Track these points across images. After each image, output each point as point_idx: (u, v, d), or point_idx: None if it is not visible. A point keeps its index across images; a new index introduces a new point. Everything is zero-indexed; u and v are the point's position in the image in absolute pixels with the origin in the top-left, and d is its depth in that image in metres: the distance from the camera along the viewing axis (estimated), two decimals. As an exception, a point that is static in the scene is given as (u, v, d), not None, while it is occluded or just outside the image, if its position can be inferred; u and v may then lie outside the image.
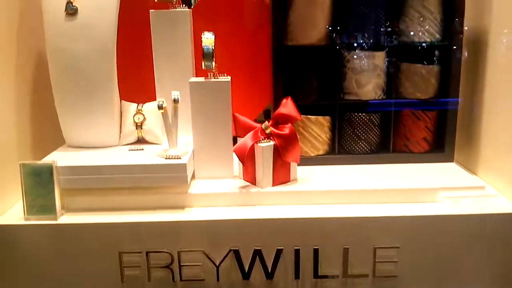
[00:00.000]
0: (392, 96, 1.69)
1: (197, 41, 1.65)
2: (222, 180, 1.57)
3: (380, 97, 1.68)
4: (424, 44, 1.64)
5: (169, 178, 1.44)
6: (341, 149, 1.72)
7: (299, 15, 1.60)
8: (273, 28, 1.59)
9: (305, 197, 1.49)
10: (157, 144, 1.64)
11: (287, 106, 1.49)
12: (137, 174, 1.43)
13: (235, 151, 1.47)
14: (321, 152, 1.71)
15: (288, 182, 1.54)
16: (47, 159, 1.50)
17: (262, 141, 1.48)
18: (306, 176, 1.59)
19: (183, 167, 1.43)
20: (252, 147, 1.47)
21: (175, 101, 1.46)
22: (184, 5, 1.65)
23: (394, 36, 1.64)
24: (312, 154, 1.70)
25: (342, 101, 1.68)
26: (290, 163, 1.53)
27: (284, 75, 1.63)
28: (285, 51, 1.62)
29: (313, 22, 1.60)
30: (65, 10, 1.49)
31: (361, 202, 1.48)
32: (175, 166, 1.43)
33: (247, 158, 1.47)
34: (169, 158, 1.46)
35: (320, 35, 1.62)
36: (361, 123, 1.68)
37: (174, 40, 1.65)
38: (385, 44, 1.64)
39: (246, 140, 1.48)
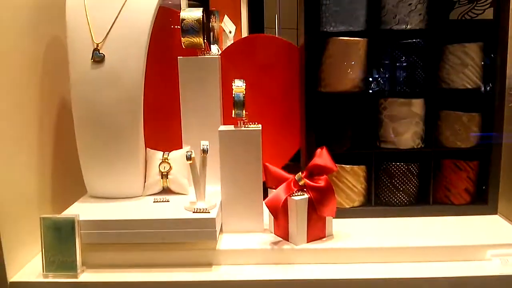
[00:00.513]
0: (432, 145, 1.59)
1: (226, 87, 1.60)
2: (251, 234, 1.47)
3: (419, 146, 1.59)
4: (464, 91, 1.55)
5: (197, 233, 1.35)
6: (377, 201, 1.62)
7: (333, 60, 1.53)
8: (306, 74, 1.52)
9: (343, 255, 1.38)
10: (182, 194, 1.56)
11: (322, 157, 1.41)
12: (163, 229, 1.35)
13: (267, 204, 1.38)
14: (356, 204, 1.61)
15: (323, 237, 1.43)
16: (69, 212, 1.42)
17: (296, 194, 1.39)
18: (342, 231, 1.48)
19: (211, 222, 1.34)
20: (285, 200, 1.38)
21: (204, 151, 1.39)
22: (218, 50, 1.61)
23: (433, 83, 1.56)
24: (347, 206, 1.59)
25: (378, 150, 1.59)
26: (325, 218, 1.43)
27: (317, 122, 1.55)
28: (318, 97, 1.54)
29: (348, 67, 1.53)
30: (92, 57, 1.45)
31: (402, 261, 1.37)
32: (203, 220, 1.35)
33: (280, 212, 1.37)
34: (197, 212, 1.37)
35: (355, 81, 1.55)
36: (399, 173, 1.58)
37: (203, 87, 1.59)
38: (424, 91, 1.56)
39: (278, 193, 1.39)
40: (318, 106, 1.54)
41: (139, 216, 1.37)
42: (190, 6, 2.34)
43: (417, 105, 1.56)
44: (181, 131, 1.63)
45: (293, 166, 1.76)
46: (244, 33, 2.70)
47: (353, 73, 1.54)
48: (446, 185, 1.61)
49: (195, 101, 1.60)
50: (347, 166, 1.57)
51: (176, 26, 1.63)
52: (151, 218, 1.35)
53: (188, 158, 1.38)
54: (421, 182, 1.62)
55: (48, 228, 1.34)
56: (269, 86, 1.74)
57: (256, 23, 2.92)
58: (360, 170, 1.59)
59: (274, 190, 1.44)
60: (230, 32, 2.27)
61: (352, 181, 1.58)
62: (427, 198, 1.62)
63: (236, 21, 2.56)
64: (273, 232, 1.47)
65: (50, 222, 1.34)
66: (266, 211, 1.45)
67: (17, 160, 1.38)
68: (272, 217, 1.46)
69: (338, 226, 1.48)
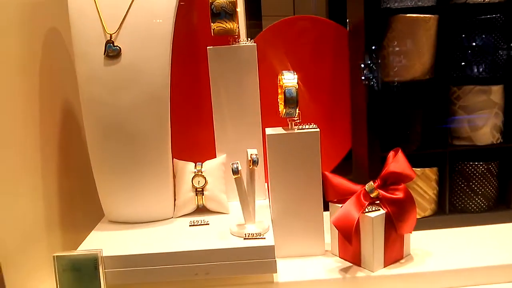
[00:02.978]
0: (513, 139, 1.34)
1: (261, 80, 1.32)
2: (311, 259, 1.21)
3: (499, 141, 1.34)
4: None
5: (251, 265, 1.08)
6: (452, 208, 1.37)
7: (398, 43, 1.26)
8: (366, 60, 1.25)
9: (429, 280, 1.13)
10: (221, 213, 1.29)
11: (399, 162, 1.14)
12: (208, 262, 1.08)
13: (336, 225, 1.12)
14: (427, 213, 1.36)
15: (401, 259, 1.18)
16: (87, 246, 1.14)
17: (370, 210, 1.13)
18: (419, 248, 1.23)
19: (270, 250, 1.08)
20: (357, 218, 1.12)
21: (254, 162, 1.12)
22: (248, 39, 1.33)
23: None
24: (418, 216, 1.33)
25: (452, 148, 1.33)
26: (404, 236, 1.17)
27: (379, 118, 1.28)
28: (379, 88, 1.28)
29: (416, 51, 1.26)
30: (105, 51, 1.16)
31: (498, 281, 1.13)
32: (258, 249, 1.08)
33: (353, 234, 1.11)
34: (249, 238, 1.10)
35: (424, 67, 1.29)
36: (476, 174, 1.33)
37: (239, 82, 1.31)
38: (506, 76, 1.30)
39: (348, 209, 1.12)
40: (380, 98, 1.28)
41: (176, 247, 1.09)
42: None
43: (497, 93, 1.31)
44: (213, 136, 1.35)
45: (342, 168, 1.50)
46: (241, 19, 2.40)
47: (421, 57, 1.27)
48: (530, 186, 1.37)
49: (229, 99, 1.32)
50: (417, 169, 1.31)
51: (181, 3, 1.32)
52: (191, 250, 1.08)
53: (235, 171, 1.11)
54: (500, 183, 1.37)
55: (64, 270, 1.06)
56: (313, 77, 1.47)
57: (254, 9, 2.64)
58: (431, 173, 1.33)
59: (336, 205, 1.18)
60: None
61: (423, 186, 1.33)
62: (508, 202, 1.37)
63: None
64: (337, 255, 1.21)
65: (67, 261, 1.06)
66: (326, 229, 1.20)
67: (15, 183, 1.09)
68: (336, 237, 1.20)
69: (412, 243, 1.22)
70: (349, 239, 1.10)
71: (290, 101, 1.15)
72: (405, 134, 1.32)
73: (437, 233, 1.32)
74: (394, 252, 1.16)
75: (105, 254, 1.07)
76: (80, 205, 1.38)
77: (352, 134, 1.45)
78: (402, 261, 1.18)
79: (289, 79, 1.17)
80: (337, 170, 1.53)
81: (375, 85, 1.27)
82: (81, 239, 1.20)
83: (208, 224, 1.22)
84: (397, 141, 1.29)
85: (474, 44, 1.28)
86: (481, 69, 1.29)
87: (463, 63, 1.30)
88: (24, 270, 1.08)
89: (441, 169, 1.34)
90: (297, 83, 1.16)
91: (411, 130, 1.32)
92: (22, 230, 1.09)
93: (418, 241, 1.25)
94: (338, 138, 1.49)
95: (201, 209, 1.29)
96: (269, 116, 1.32)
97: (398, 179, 1.14)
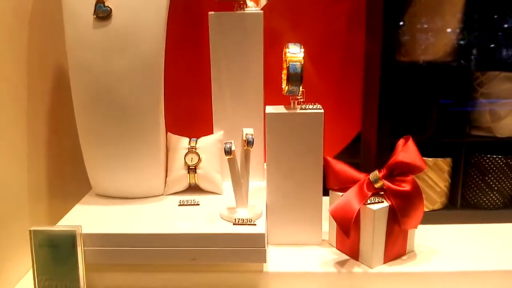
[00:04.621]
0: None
1: (265, 54, 1.22)
2: (306, 249, 1.13)
3: (522, 133, 1.22)
4: None
5: (239, 252, 1.00)
6: (463, 202, 1.27)
7: (419, 19, 1.14)
8: (383, 37, 1.13)
9: (432, 280, 1.04)
10: (215, 193, 1.21)
11: (409, 151, 1.04)
12: (194, 247, 1.00)
13: (333, 215, 1.03)
14: (437, 206, 1.26)
15: (403, 255, 1.09)
16: (68, 221, 1.08)
17: (372, 201, 1.03)
18: (424, 244, 1.14)
19: (259, 238, 0.99)
20: (358, 210, 1.03)
21: (249, 143, 1.02)
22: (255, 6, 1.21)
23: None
24: (426, 209, 1.24)
25: (470, 139, 1.22)
26: (408, 231, 1.08)
27: (392, 101, 1.17)
28: (395, 68, 1.16)
29: (438, 29, 1.14)
30: (94, 13, 1.07)
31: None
32: (248, 236, 1.00)
33: (353, 226, 1.02)
34: (238, 224, 1.02)
35: (447, 48, 1.16)
36: (494, 168, 1.22)
37: (241, 53, 1.21)
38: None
39: (348, 199, 1.03)
40: (395, 79, 1.16)
41: (161, 228, 1.02)
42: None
43: (525, 80, 1.18)
44: (211, 111, 1.26)
45: (350, 151, 1.40)
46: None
47: (444, 36, 1.15)
48: (552, 184, 1.25)
49: (230, 71, 1.22)
50: (429, 159, 1.21)
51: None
52: (177, 233, 1.01)
53: (228, 152, 1.02)
54: (518, 179, 1.26)
55: (41, 245, 1.00)
56: (323, 51, 1.36)
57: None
58: (444, 163, 1.23)
59: (337, 193, 1.09)
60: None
61: (434, 177, 1.23)
62: (525, 199, 1.27)
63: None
64: (335, 246, 1.13)
65: (44, 237, 0.99)
66: (324, 217, 1.11)
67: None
68: (334, 227, 1.11)
69: (417, 238, 1.13)
70: (346, 232, 1.01)
71: (293, 78, 1.05)
72: (419, 121, 1.21)
73: (445, 229, 1.22)
74: (395, 247, 1.07)
75: (84, 231, 1.00)
76: (71, 173, 1.31)
77: (363, 116, 1.34)
78: (404, 257, 1.09)
79: (294, 53, 1.06)
80: (344, 153, 1.44)
81: (391, 64, 1.16)
82: (68, 208, 1.14)
83: (198, 204, 1.14)
84: (410, 127, 1.19)
85: (506, 26, 1.15)
86: (508, 53, 1.17)
87: (492, 45, 1.17)
88: (2, 242, 1.02)
89: (456, 160, 1.24)
90: (303, 57, 1.05)
91: (426, 116, 1.21)
92: (3, 198, 1.03)
93: (423, 236, 1.16)
94: (347, 119, 1.38)
95: (193, 188, 1.21)
96: (273, 94, 1.22)
97: (406, 169, 1.04)
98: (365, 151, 1.33)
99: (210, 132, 1.26)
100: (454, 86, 1.21)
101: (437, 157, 1.22)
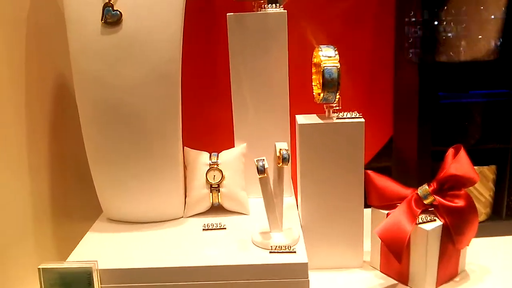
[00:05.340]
0: None
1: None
2: (347, 273, 1.02)
3: None
4: None
5: (278, 285, 0.88)
6: (509, 212, 1.17)
7: (459, 15, 1.04)
8: (422, 36, 1.02)
9: (490, 305, 0.94)
10: (240, 213, 1.09)
11: (461, 162, 0.93)
12: (225, 281, 0.89)
13: (383, 238, 0.92)
14: (482, 218, 1.16)
15: (455, 277, 0.99)
16: (80, 255, 0.95)
17: (424, 220, 0.93)
18: (474, 262, 1.04)
19: (302, 268, 0.88)
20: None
21: (284, 160, 0.91)
22: (275, 5, 1.09)
23: None
24: (470, 222, 1.13)
25: (517, 144, 1.13)
26: (461, 250, 0.98)
27: (431, 106, 1.07)
28: (433, 69, 1.05)
29: (481, 25, 1.03)
30: (102, 18, 0.94)
31: None
32: (288, 267, 0.88)
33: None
34: (275, 252, 0.91)
35: (489, 46, 1.06)
36: (543, 174, 1.12)
37: (264, 57, 1.09)
38: None
39: (398, 219, 0.92)
40: (434, 82, 1.06)
41: (187, 260, 0.90)
42: None
43: None
44: (230, 121, 1.14)
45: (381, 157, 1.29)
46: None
47: (487, 33, 1.05)
48: None
49: (252, 77, 1.10)
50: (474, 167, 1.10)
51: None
52: (206, 265, 0.89)
53: (261, 171, 0.90)
54: None
55: (52, 285, 0.88)
56: (350, 52, 1.24)
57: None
58: (489, 171, 1.13)
59: (381, 211, 0.98)
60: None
61: (479, 187, 1.13)
62: None
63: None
64: (378, 268, 1.02)
65: (55, 275, 0.87)
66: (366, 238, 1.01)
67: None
68: (378, 247, 1.00)
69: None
70: (399, 256, 0.90)
71: (329, 84, 0.94)
72: (462, 126, 1.10)
73: (492, 242, 1.13)
74: (448, 269, 0.97)
75: (101, 266, 0.88)
76: (76, 194, 1.19)
77: (394, 120, 1.23)
78: (456, 279, 0.99)
79: (329, 56, 0.95)
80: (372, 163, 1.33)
81: (427, 65, 1.05)
82: (76, 232, 1.01)
83: (225, 228, 1.02)
84: (451, 134, 1.08)
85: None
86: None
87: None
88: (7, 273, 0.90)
89: (501, 167, 1.13)
90: (339, 61, 0.94)
91: (470, 121, 1.10)
92: (6, 225, 0.90)
93: (472, 252, 1.06)
94: (377, 124, 1.27)
95: (215, 208, 1.09)
96: (296, 99, 1.11)
97: (459, 183, 0.94)
98: (400, 159, 1.22)
99: (230, 144, 1.15)
100: (498, 87, 1.11)
101: (481, 165, 1.11)
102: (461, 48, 1.06)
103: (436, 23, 1.07)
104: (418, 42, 1.06)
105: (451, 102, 1.11)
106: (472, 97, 1.12)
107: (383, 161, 1.28)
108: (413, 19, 1.07)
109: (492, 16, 1.04)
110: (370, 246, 1.04)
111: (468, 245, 0.98)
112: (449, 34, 1.07)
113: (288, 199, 1.15)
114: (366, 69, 1.26)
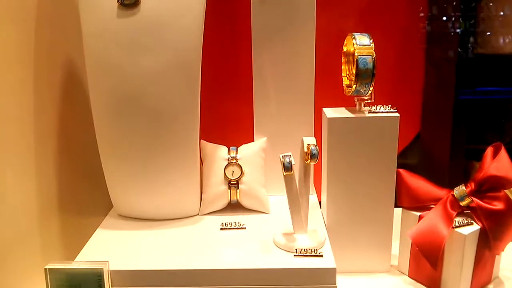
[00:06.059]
0: None
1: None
2: (374, 277, 0.96)
3: None
4: None
5: (304, 291, 0.82)
6: (543, 215, 1.10)
7: (500, 6, 0.96)
8: (464, 26, 0.96)
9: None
10: (259, 212, 1.03)
11: (502, 162, 0.87)
12: (245, 285, 0.82)
13: (417, 243, 0.86)
14: None
15: (489, 283, 0.93)
16: (89, 254, 0.89)
17: (460, 224, 0.86)
18: (507, 268, 0.98)
19: (329, 273, 0.82)
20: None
21: (312, 156, 0.84)
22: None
23: None
24: (501, 226, 1.07)
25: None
26: (495, 256, 0.91)
27: (466, 102, 1.00)
28: (470, 62, 0.98)
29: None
30: (119, 0, 0.87)
31: None
32: (315, 272, 0.82)
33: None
34: (301, 255, 0.84)
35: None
36: None
37: (288, 43, 1.02)
38: None
39: (434, 223, 0.86)
40: (471, 76, 0.99)
41: (204, 262, 0.84)
42: None
43: None
44: (250, 113, 1.07)
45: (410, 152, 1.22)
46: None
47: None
48: None
49: (275, 65, 1.03)
50: (510, 167, 1.04)
51: None
52: (225, 268, 0.82)
53: (288, 167, 0.83)
54: None
55: (59, 286, 0.81)
56: (378, 42, 1.17)
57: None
58: (525, 172, 1.06)
59: (413, 213, 0.92)
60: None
61: (514, 189, 1.06)
62: None
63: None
64: (407, 273, 0.96)
65: (63, 276, 0.81)
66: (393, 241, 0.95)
67: (2, 165, 0.83)
68: (407, 251, 0.94)
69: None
70: (434, 263, 0.84)
71: (364, 75, 0.87)
72: (498, 123, 1.04)
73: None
74: (483, 276, 0.91)
75: (112, 267, 0.82)
76: (85, 189, 1.12)
77: (423, 116, 1.16)
78: (490, 286, 0.93)
79: (364, 45, 0.88)
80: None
81: (463, 58, 0.98)
82: (85, 229, 0.95)
83: (245, 228, 0.96)
84: (486, 131, 1.01)
85: None
86: None
87: None
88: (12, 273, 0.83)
89: (537, 167, 1.07)
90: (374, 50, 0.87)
91: (507, 117, 1.04)
92: (11, 222, 0.84)
93: (506, 258, 0.99)
94: (405, 119, 1.20)
95: (233, 205, 1.03)
96: (322, 91, 1.05)
97: (498, 184, 0.87)
98: (428, 156, 1.15)
99: (248, 138, 1.08)
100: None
101: (516, 164, 1.05)
102: (500, 41, 0.99)
103: (473, 12, 0.99)
104: (452, 33, 0.98)
105: (486, 98, 1.04)
106: (507, 93, 1.06)
107: (409, 158, 1.21)
108: (450, 9, 1.00)
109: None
110: (397, 250, 0.98)
111: (503, 251, 0.92)
112: (486, 26, 1.00)
113: (310, 198, 1.08)
114: (395, 61, 1.19)
